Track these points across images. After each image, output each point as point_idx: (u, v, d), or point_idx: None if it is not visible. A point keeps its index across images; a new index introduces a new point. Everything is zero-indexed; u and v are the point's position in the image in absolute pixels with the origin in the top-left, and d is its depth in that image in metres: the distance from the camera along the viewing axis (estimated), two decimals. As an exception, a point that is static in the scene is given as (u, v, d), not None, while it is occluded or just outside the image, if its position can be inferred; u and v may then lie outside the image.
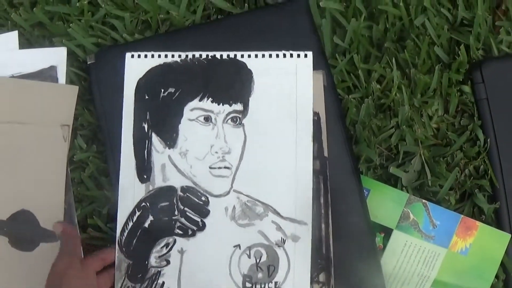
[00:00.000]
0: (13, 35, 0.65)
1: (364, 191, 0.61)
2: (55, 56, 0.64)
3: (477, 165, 0.64)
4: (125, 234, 0.59)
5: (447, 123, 0.65)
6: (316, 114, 0.60)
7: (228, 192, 0.59)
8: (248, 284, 0.58)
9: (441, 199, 0.63)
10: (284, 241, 0.59)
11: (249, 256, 0.59)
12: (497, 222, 0.65)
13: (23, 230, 0.62)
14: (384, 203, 0.62)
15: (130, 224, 0.59)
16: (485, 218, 0.64)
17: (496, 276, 0.64)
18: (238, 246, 0.59)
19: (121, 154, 0.60)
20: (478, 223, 0.63)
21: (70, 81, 0.64)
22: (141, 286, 0.58)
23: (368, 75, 0.64)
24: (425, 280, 0.63)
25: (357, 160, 0.62)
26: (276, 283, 0.58)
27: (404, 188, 0.62)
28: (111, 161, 0.61)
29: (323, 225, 0.59)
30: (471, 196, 0.64)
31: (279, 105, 0.60)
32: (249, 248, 0.59)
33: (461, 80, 0.65)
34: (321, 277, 0.59)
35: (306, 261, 0.58)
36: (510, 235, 0.64)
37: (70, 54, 0.65)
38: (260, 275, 0.58)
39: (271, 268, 0.58)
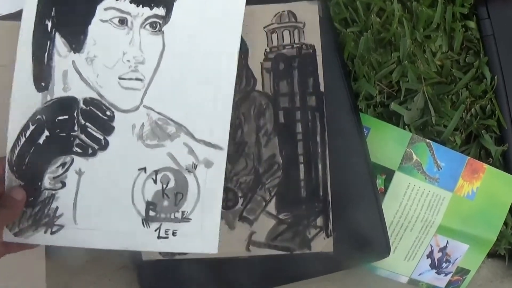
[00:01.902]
0: None
1: (364, 129, 0.57)
2: None
3: (483, 104, 0.61)
4: (16, 151, 0.52)
5: (452, 60, 0.61)
6: (311, 47, 0.55)
7: (138, 108, 0.53)
8: (151, 213, 0.53)
9: (446, 139, 0.59)
10: (195, 166, 0.53)
11: (155, 182, 0.53)
12: (505, 165, 0.61)
13: None
14: (385, 142, 0.58)
15: (22, 140, 0.52)
16: (493, 161, 0.61)
17: (505, 223, 0.61)
18: (144, 169, 0.53)
19: (16, 55, 0.52)
20: (486, 165, 0.60)
21: None
22: (33, 210, 0.52)
23: (367, 8, 0.60)
24: (429, 226, 0.59)
25: (356, 96, 0.58)
26: (183, 212, 0.53)
27: (406, 127, 0.59)
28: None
29: (320, 165, 0.55)
30: (478, 138, 0.61)
31: (206, 15, 0.53)
32: (156, 172, 0.53)
33: (465, 13, 0.61)
34: (319, 221, 0.55)
35: (218, 190, 0.52)
36: (519, 179, 0.60)
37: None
38: (166, 203, 0.53)
39: (179, 196, 0.53)
